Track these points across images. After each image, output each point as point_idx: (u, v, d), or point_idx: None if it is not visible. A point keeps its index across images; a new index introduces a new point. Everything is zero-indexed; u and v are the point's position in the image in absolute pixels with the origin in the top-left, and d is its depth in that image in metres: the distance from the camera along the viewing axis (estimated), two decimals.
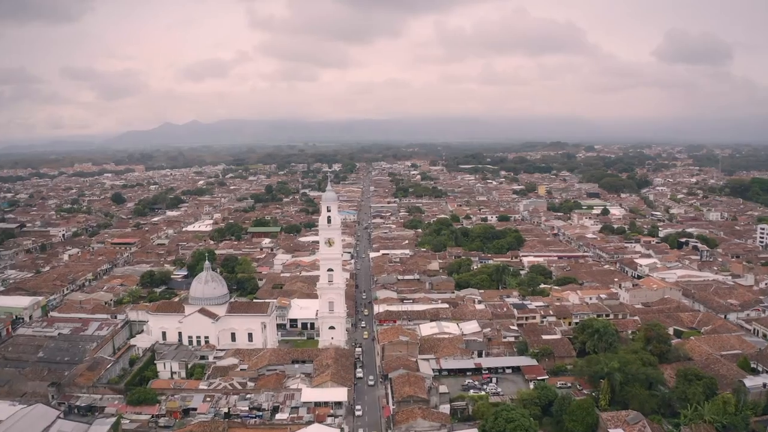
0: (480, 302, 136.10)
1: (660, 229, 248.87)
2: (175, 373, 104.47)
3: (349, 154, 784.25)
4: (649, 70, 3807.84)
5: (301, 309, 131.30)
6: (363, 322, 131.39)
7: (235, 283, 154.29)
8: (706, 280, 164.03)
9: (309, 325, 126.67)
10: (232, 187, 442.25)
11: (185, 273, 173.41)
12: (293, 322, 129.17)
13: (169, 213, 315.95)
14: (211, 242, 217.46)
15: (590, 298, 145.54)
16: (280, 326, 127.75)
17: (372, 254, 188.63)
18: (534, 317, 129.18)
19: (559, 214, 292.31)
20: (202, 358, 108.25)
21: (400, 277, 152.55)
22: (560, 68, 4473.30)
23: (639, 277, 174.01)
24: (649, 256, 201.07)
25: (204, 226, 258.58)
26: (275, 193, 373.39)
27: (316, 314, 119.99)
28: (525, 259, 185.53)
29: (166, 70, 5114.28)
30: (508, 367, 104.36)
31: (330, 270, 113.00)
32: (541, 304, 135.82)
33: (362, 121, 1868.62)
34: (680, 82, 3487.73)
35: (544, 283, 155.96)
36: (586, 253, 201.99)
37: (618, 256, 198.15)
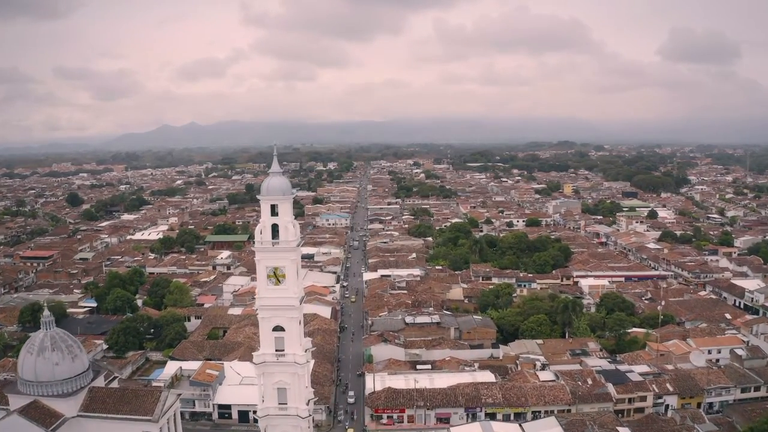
0: (544, 367, 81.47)
1: (733, 236, 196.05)
2: None
3: (347, 152, 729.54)
4: (653, 69, 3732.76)
5: (240, 384, 76.50)
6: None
7: (150, 327, 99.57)
8: None
9: (251, 415, 71.73)
10: (210, 187, 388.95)
11: (93, 305, 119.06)
12: (224, 409, 74.37)
13: (126, 216, 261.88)
14: (151, 256, 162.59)
15: (708, 352, 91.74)
16: (200, 416, 73.25)
17: (366, 275, 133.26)
18: (644, 398, 74.70)
19: (597, 217, 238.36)
20: None
21: (409, 320, 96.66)
22: (562, 68, 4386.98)
23: (749, 308, 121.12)
24: (744, 274, 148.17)
25: (156, 233, 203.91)
26: (256, 194, 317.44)
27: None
28: (584, 282, 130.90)
29: (161, 70, 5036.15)
30: None
31: (278, 329, 58.10)
32: (645, 369, 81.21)
33: (361, 122, 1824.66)
34: (685, 82, 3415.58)
35: (630, 323, 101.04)
36: (662, 272, 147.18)
37: (707, 276, 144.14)
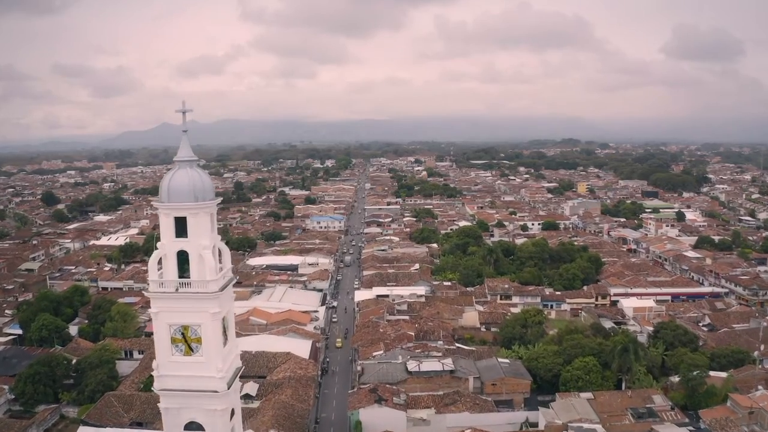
0: None
1: None
2: None
3: (345, 149, 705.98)
4: (656, 67, 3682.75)
5: None
6: None
7: (71, 370, 75.82)
8: None
9: None
10: None
11: (18, 333, 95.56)
12: None
13: (100, 217, 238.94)
14: (107, 267, 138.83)
15: None
16: None
17: (359, 294, 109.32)
18: None
19: (620, 219, 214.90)
20: None
21: (413, 368, 72.01)
22: (564, 65, 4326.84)
23: None
24: None
25: (125, 237, 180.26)
26: (245, 192, 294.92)
27: None
28: (625, 303, 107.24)
29: (160, 67, 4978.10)
30: None
31: (194, 427, 34.78)
32: None
33: (362, 121, 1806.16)
34: (688, 80, 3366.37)
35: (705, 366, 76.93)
36: (714, 288, 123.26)
37: (766, 293, 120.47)
